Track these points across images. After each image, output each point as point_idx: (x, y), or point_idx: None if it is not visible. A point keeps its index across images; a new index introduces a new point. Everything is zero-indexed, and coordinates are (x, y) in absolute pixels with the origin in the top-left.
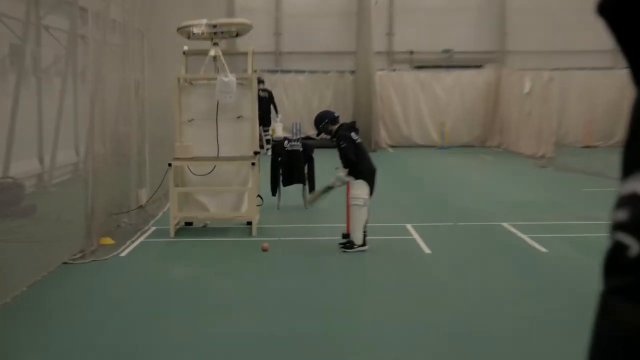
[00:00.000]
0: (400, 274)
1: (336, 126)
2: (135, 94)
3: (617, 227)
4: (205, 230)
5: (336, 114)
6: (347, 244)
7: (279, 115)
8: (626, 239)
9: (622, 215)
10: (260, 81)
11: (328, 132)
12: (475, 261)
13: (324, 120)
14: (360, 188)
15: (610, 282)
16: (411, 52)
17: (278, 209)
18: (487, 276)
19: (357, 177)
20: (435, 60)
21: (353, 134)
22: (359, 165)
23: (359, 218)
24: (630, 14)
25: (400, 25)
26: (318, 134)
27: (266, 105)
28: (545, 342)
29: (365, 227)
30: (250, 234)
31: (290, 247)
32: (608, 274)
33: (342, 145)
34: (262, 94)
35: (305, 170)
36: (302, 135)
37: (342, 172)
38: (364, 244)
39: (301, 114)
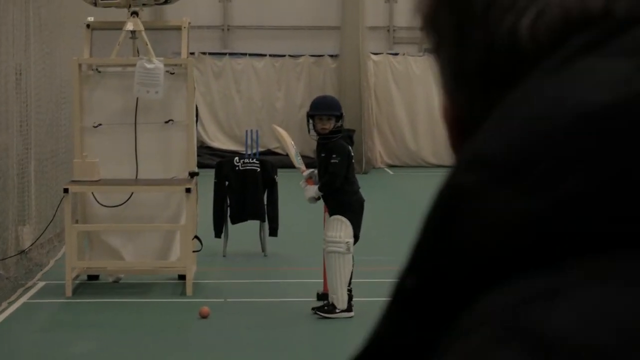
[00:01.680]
0: None
1: (337, 126)
2: (15, 86)
3: None
4: (118, 287)
5: None
6: (325, 307)
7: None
8: None
9: None
10: None
11: (320, 132)
12: None
13: (340, 108)
14: (341, 227)
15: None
16: (421, 28)
17: (224, 256)
18: None
19: (341, 211)
20: None
21: (350, 148)
22: (346, 194)
23: (342, 270)
24: None
25: None
26: (312, 128)
27: None
28: None
29: (350, 283)
30: (183, 292)
31: (242, 312)
32: None
33: (335, 161)
34: None
35: (265, 201)
36: (262, 149)
37: (312, 190)
38: (349, 309)
39: (259, 117)
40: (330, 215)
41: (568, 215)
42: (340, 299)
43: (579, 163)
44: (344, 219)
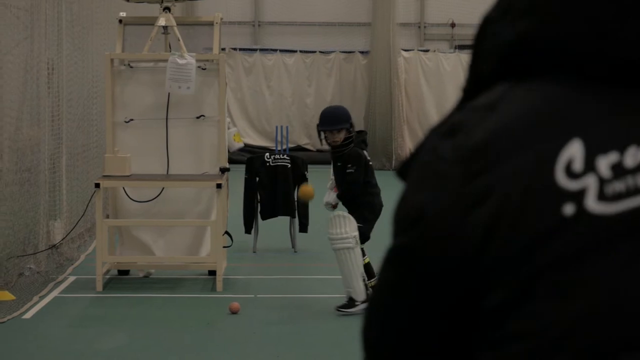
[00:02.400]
0: None
1: (349, 135)
2: (47, 81)
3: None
4: (148, 282)
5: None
6: (347, 303)
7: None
8: None
9: None
10: None
11: (332, 142)
12: None
13: (349, 119)
14: (345, 223)
15: None
16: (452, 25)
17: (254, 252)
18: None
19: (360, 215)
20: None
21: (366, 153)
22: (367, 195)
23: (354, 264)
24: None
25: None
26: (324, 139)
27: None
28: None
29: (364, 275)
30: (213, 288)
31: (272, 308)
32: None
33: (351, 170)
34: None
35: (295, 197)
36: (291, 145)
37: (332, 197)
38: (368, 299)
39: (290, 113)
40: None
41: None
42: (358, 291)
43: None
44: (345, 214)
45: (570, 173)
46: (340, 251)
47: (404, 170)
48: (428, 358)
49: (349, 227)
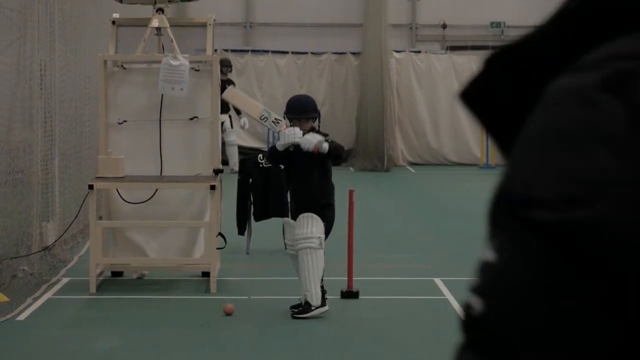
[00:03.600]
0: (420, 354)
1: (312, 126)
2: (40, 82)
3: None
4: (142, 283)
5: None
6: (301, 307)
7: (242, 120)
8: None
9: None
10: (226, 65)
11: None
12: None
13: (316, 108)
14: (312, 223)
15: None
16: (444, 26)
17: (247, 254)
18: None
19: (326, 203)
20: (480, 39)
21: None
22: (331, 187)
23: (315, 266)
24: (493, 102)
25: None
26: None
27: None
28: None
29: (322, 279)
30: (207, 290)
31: (266, 310)
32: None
33: (331, 140)
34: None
35: (288, 198)
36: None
37: (317, 137)
38: (323, 304)
39: (281, 114)
40: (305, 212)
41: None
42: (314, 296)
43: None
44: (314, 215)
45: None
46: (302, 251)
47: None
48: None
49: (315, 228)
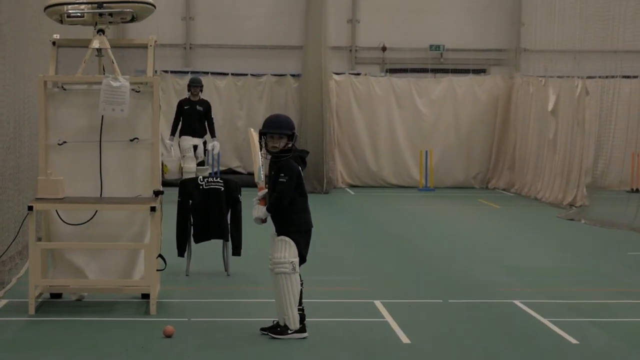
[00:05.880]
0: None
1: (289, 146)
2: None
3: None
4: (81, 305)
5: None
6: (278, 328)
7: (212, 144)
8: None
9: None
10: (197, 85)
11: (271, 150)
12: (475, 356)
13: (293, 128)
14: (285, 247)
15: None
16: (384, 49)
17: (187, 275)
18: None
19: (287, 231)
20: (419, 61)
21: (301, 169)
22: (295, 215)
23: (290, 290)
24: None
25: (369, 9)
26: (264, 145)
27: (201, 123)
28: None
29: (300, 303)
30: (146, 311)
31: (206, 332)
32: None
33: (283, 180)
34: (199, 108)
35: (228, 220)
36: (223, 168)
37: (261, 211)
38: (302, 329)
39: (221, 136)
40: (278, 235)
41: None
42: (292, 320)
43: None
44: (287, 239)
45: None
46: (277, 276)
47: None
48: None
49: (288, 252)
